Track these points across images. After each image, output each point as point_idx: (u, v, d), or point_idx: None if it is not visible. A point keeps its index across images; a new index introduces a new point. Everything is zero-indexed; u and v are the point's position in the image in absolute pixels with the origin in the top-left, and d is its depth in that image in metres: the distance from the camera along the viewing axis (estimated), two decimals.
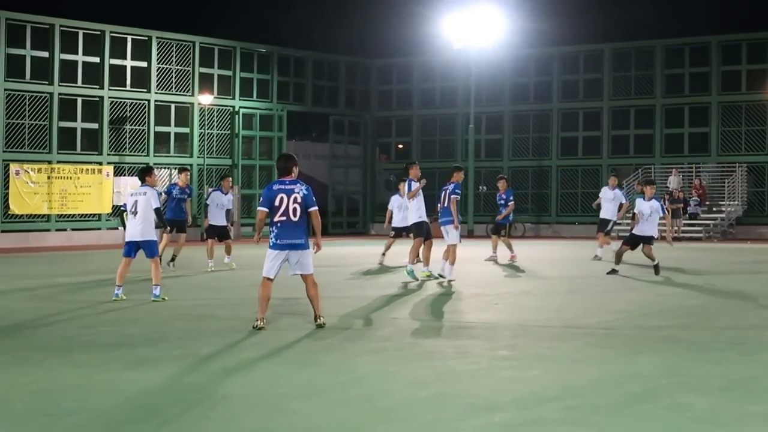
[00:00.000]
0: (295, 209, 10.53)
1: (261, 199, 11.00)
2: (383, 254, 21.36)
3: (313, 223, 10.72)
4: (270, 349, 9.31)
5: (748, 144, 39.53)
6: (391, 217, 21.23)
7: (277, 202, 10.54)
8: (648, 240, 17.63)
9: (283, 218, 10.53)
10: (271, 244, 10.64)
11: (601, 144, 42.17)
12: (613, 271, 17.94)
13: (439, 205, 17.20)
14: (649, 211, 17.54)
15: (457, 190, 16.95)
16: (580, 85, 42.66)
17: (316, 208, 10.75)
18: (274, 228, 10.61)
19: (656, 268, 17.53)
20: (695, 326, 11.04)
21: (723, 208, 38.36)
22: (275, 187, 10.74)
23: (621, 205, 23.22)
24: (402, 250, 19.70)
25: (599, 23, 44.97)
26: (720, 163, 39.40)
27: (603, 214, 23.30)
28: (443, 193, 17.10)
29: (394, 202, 21.31)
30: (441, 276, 16.65)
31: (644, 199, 17.75)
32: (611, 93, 41.91)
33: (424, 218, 17.39)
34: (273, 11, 52.68)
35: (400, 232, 21.10)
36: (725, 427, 6.11)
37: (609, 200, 23.24)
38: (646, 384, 7.47)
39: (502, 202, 22.70)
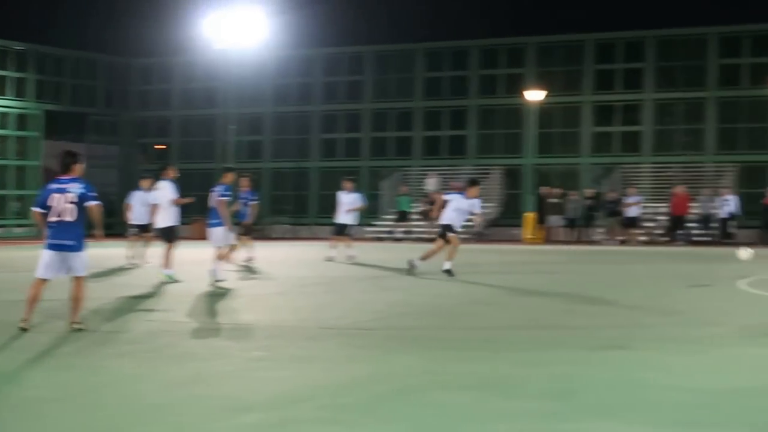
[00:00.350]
0: (69, 209, 10.14)
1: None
2: (132, 254, 21.06)
3: (93, 217, 10.34)
4: (22, 352, 8.85)
5: (503, 147, 41.31)
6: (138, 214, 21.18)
7: (50, 202, 10.17)
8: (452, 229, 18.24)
9: (56, 218, 10.15)
10: (46, 244, 10.24)
11: (360, 146, 42.91)
12: (412, 267, 18.36)
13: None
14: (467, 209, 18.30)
15: (226, 193, 16.72)
16: (342, 87, 43.24)
17: (95, 202, 10.34)
18: (48, 228, 10.20)
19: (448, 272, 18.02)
20: (448, 326, 11.27)
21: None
22: (50, 186, 10.39)
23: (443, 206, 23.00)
24: (154, 251, 19.34)
25: (362, 25, 45.69)
26: (477, 165, 40.89)
27: (340, 218, 23.83)
28: (211, 194, 16.82)
29: (136, 197, 21.20)
30: (218, 281, 16.06)
31: (464, 197, 18.40)
32: (372, 95, 42.71)
33: (174, 222, 17.18)
34: (31, 8, 50.40)
35: (144, 229, 20.88)
36: (476, 424, 6.19)
37: (346, 203, 23.81)
38: (398, 383, 7.50)
39: (243, 201, 21.83)
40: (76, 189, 10.29)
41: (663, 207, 36.87)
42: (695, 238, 35.01)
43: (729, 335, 10.12)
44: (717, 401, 6.81)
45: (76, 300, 10.42)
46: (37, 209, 10.34)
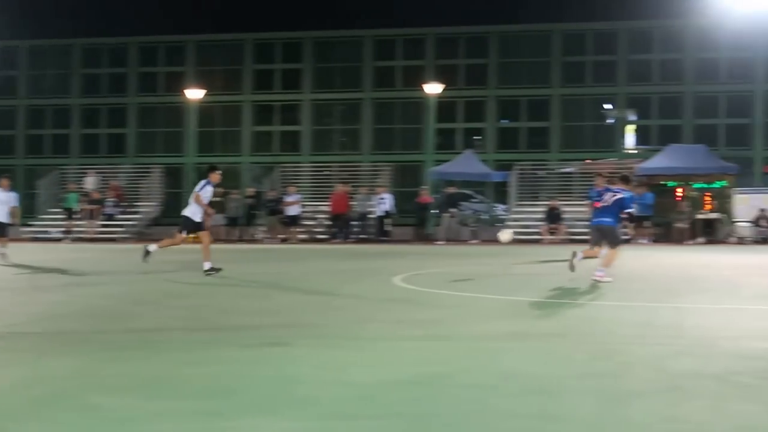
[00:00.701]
0: None
1: None
2: None
3: None
4: None
5: (163, 145, 40.69)
6: None
7: None
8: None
9: None
10: None
11: (15, 144, 40.82)
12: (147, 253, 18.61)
13: None
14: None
15: None
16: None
17: None
18: None
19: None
20: (108, 327, 10.86)
21: (140, 209, 39.00)
22: None
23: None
24: None
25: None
26: (137, 164, 39.99)
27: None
28: None
29: None
30: None
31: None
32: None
33: None
34: None
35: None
36: (135, 425, 5.98)
37: (2, 202, 23.01)
38: (54, 386, 7.11)
39: None
40: None
41: (323, 205, 37.85)
42: (354, 236, 36.21)
43: (384, 330, 10.46)
44: (373, 393, 6.97)
45: None
46: None
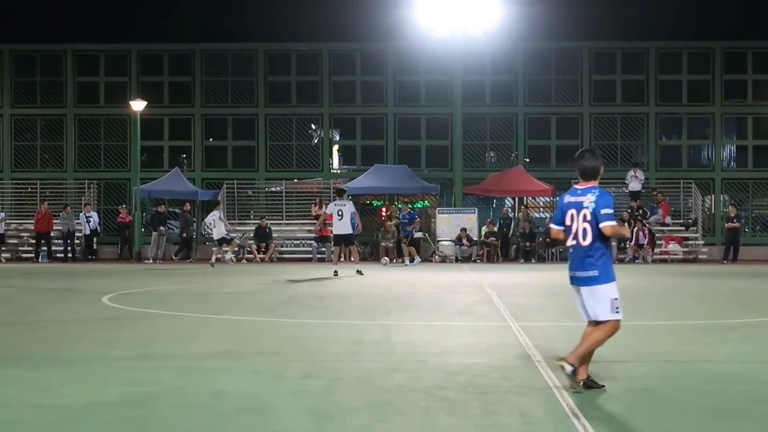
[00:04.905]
0: None
1: None
2: None
3: None
4: None
5: None
6: None
7: None
8: None
9: None
10: None
11: None
12: None
13: None
14: None
15: None
16: None
17: None
18: None
19: None
20: None
21: None
22: None
23: None
24: None
25: None
26: None
27: None
28: None
29: None
30: None
31: None
32: None
33: None
34: None
35: None
36: None
37: None
38: None
39: None
40: None
41: (27, 223, 36.39)
42: (61, 255, 35.03)
43: (93, 350, 10.12)
44: (83, 415, 6.73)
45: None
46: None
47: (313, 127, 41.00)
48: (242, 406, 7.09)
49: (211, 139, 40.88)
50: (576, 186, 7.98)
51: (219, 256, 30.84)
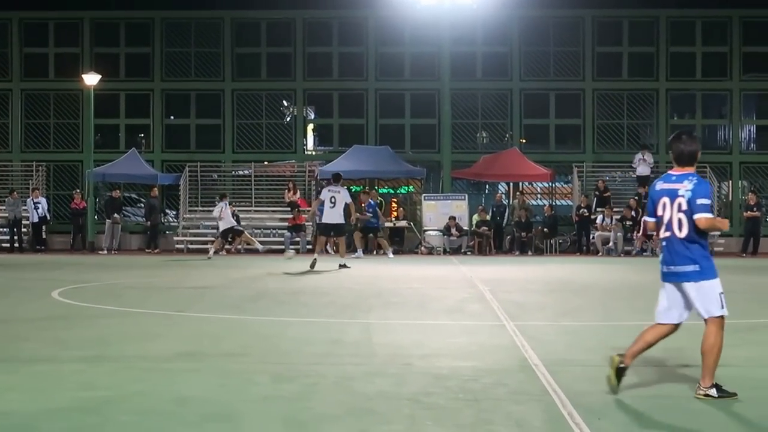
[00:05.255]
0: None
1: None
2: None
3: None
4: None
5: None
6: None
7: None
8: None
9: None
10: None
11: None
12: None
13: None
14: None
15: None
16: None
17: None
18: None
19: None
20: None
21: None
22: None
23: None
24: None
25: None
26: None
27: None
28: None
29: None
30: None
31: None
32: None
33: None
34: None
35: None
36: None
37: None
38: None
39: None
40: None
41: None
42: (7, 245, 34.93)
43: (43, 350, 10.12)
44: (32, 423, 6.74)
45: None
46: None
47: (285, 103, 40.92)
48: (208, 413, 7.11)
49: (172, 117, 40.74)
50: (670, 172, 7.95)
51: (215, 249, 30.84)
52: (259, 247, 31.06)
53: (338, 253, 25.41)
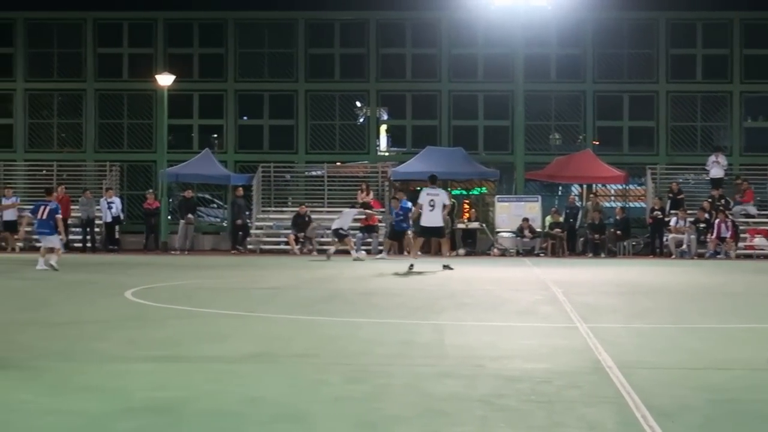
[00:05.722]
0: None
1: None
2: None
3: None
4: None
5: None
6: None
7: None
8: None
9: None
10: None
11: None
12: None
13: None
14: None
15: None
16: None
17: None
18: None
19: None
20: None
21: None
22: None
23: None
24: None
25: None
26: None
27: None
28: None
29: None
30: None
31: None
32: None
33: None
34: None
35: None
36: None
37: None
38: None
39: None
40: None
41: None
42: (79, 245, 35.24)
43: (115, 350, 10.19)
44: (103, 423, 6.77)
45: None
46: None
47: (358, 104, 41.01)
48: (279, 413, 7.11)
49: (245, 118, 41.04)
50: None
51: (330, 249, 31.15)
52: (361, 255, 30.84)
53: (440, 254, 25.46)
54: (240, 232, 35.83)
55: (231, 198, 36.93)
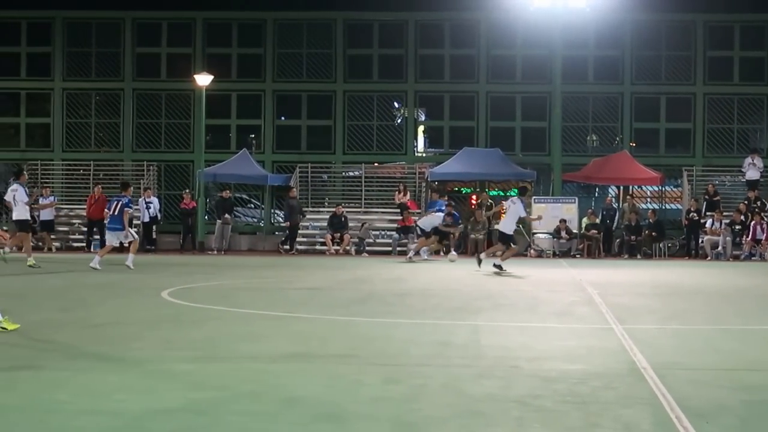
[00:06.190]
0: None
1: None
2: None
3: None
4: None
5: None
6: None
7: None
8: None
9: None
10: None
11: None
12: None
13: None
14: None
15: None
16: None
17: None
18: None
19: None
20: None
21: None
22: None
23: None
24: None
25: None
26: None
27: None
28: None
29: None
30: None
31: None
32: None
33: None
34: None
35: None
36: None
37: None
38: None
39: None
40: None
41: (79, 209, 36.91)
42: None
43: (152, 350, 10.26)
44: (142, 424, 6.82)
45: None
46: None
47: (396, 105, 41.04)
48: (318, 413, 7.15)
49: (283, 118, 41.17)
50: None
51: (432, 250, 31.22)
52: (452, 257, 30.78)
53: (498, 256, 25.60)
54: (292, 234, 35.73)
55: (285, 199, 36.76)
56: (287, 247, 35.22)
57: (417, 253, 30.18)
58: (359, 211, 37.38)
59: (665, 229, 35.67)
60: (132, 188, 26.90)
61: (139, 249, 34.93)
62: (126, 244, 24.91)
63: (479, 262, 25.04)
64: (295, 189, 36.62)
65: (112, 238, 24.49)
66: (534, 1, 36.49)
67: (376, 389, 8.09)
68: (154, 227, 35.95)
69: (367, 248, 34.67)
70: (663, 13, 39.58)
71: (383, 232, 36.32)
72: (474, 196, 37.94)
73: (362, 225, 35.27)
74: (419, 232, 31.30)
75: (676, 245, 35.87)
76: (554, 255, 34.21)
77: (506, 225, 24.96)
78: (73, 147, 40.53)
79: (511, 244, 25.05)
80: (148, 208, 35.58)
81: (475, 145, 38.64)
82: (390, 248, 34.69)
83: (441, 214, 31.28)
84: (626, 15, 38.68)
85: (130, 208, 25.45)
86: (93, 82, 40.76)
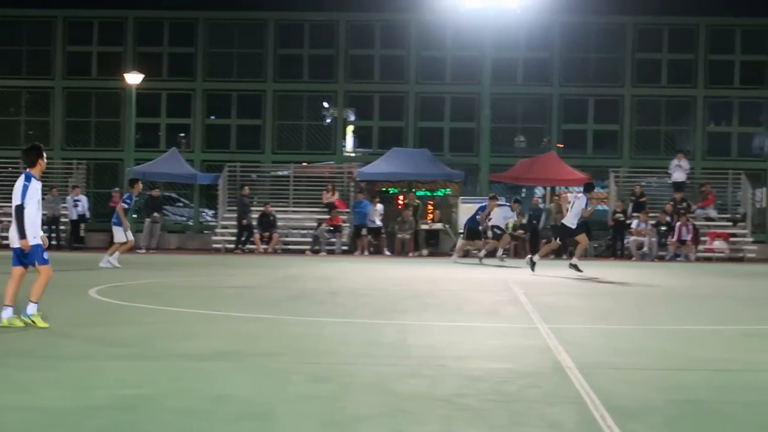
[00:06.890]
0: None
1: None
2: None
3: None
4: None
5: None
6: None
7: None
8: None
9: None
10: None
11: None
12: None
13: None
14: None
15: None
16: None
17: None
18: None
19: None
20: None
21: None
22: None
23: None
24: None
25: None
26: None
27: None
28: None
29: None
30: None
31: None
32: None
33: None
34: None
35: None
36: None
37: None
38: None
39: None
40: None
41: (6, 207, 36.31)
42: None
43: (80, 348, 10.21)
44: (69, 420, 6.81)
45: None
46: None
47: (325, 105, 41.03)
48: (245, 411, 7.17)
49: (213, 117, 40.96)
50: None
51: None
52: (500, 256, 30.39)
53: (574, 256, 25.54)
54: (245, 232, 35.36)
55: (238, 197, 36.36)
56: (243, 247, 34.89)
57: (491, 254, 29.89)
58: (287, 210, 37.28)
59: (591, 229, 36.01)
60: (140, 184, 26.90)
61: (67, 247, 34.85)
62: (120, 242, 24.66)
63: (533, 266, 24.36)
64: (247, 187, 36.27)
65: (118, 235, 24.63)
66: (465, 3, 36.68)
67: (303, 387, 8.12)
68: (82, 225, 35.65)
69: (290, 247, 34.53)
70: (593, 15, 40.01)
71: (311, 231, 36.17)
72: (401, 197, 38.03)
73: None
74: (497, 232, 30.76)
75: (602, 246, 36.28)
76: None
77: (570, 219, 24.66)
78: (1, 145, 39.88)
79: (581, 238, 24.79)
80: (76, 206, 35.28)
81: (403, 146, 38.74)
82: (318, 247, 34.63)
83: (504, 208, 31.05)
84: (556, 17, 39.02)
85: (126, 203, 25.18)
86: (23, 80, 40.19)
